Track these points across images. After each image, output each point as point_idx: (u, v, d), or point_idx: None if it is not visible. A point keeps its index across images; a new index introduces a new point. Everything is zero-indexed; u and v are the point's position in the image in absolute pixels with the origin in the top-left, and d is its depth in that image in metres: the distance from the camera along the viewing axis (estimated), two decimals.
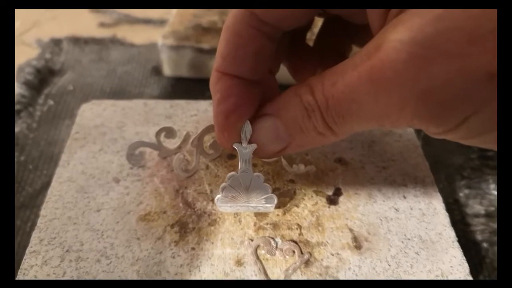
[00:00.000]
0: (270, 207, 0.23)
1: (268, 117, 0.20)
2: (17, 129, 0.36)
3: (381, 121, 0.16)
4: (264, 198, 0.23)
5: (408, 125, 0.16)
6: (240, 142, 0.21)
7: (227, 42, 0.19)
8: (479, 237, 0.30)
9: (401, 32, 0.14)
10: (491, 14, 0.13)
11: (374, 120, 0.16)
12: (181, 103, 0.32)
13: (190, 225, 0.24)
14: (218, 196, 0.23)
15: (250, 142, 0.20)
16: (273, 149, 0.20)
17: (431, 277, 0.22)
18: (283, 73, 0.24)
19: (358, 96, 0.15)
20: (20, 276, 0.21)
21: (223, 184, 0.22)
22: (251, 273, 0.22)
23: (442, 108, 0.14)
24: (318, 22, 0.24)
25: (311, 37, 0.24)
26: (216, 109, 0.20)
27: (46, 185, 0.32)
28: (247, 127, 0.20)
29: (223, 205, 0.23)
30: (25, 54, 0.44)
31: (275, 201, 0.23)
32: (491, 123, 0.14)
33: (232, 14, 0.18)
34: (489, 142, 0.15)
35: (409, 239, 0.23)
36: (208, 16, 0.44)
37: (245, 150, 0.21)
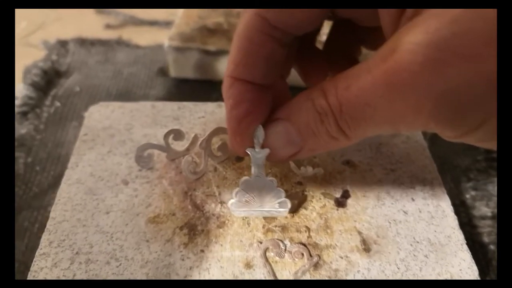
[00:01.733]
0: (283, 211, 0.23)
1: (280, 122, 0.20)
2: (24, 131, 0.36)
3: (396, 125, 0.16)
4: (277, 203, 0.23)
5: (424, 128, 0.16)
6: (253, 147, 0.21)
7: (239, 48, 0.19)
8: (486, 239, 0.30)
9: (417, 34, 0.14)
10: None
11: (389, 124, 0.16)
12: (189, 105, 0.32)
13: (199, 227, 0.24)
14: (232, 200, 0.23)
15: (263, 147, 0.21)
16: (285, 153, 0.20)
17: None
18: (292, 75, 0.24)
19: (372, 100, 0.15)
20: (30, 278, 0.22)
21: (237, 188, 0.23)
22: (260, 276, 0.22)
23: (459, 111, 0.14)
24: (328, 25, 0.24)
25: (320, 40, 0.24)
26: (229, 115, 0.20)
27: (53, 186, 0.32)
28: (260, 132, 0.20)
29: (237, 210, 0.23)
30: (31, 55, 0.44)
31: (289, 205, 0.23)
32: None
33: (243, 20, 0.18)
34: None
35: (418, 242, 0.23)
36: (213, 17, 0.44)
37: (258, 155, 0.21)
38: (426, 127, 0.16)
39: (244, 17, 0.18)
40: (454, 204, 0.26)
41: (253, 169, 0.22)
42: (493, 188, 0.33)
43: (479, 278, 0.22)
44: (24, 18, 0.51)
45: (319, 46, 0.24)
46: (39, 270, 0.22)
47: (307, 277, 0.22)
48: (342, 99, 0.16)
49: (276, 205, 0.23)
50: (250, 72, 0.19)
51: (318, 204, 0.25)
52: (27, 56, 0.44)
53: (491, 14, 0.13)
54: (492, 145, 0.16)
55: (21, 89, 0.39)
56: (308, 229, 0.24)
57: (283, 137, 0.20)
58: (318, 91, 0.18)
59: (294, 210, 0.25)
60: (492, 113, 0.14)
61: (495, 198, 0.32)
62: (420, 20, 0.14)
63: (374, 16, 0.17)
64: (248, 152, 0.21)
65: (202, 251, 0.23)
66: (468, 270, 0.22)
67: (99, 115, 0.31)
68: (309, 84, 0.24)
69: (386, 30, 0.17)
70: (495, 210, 0.31)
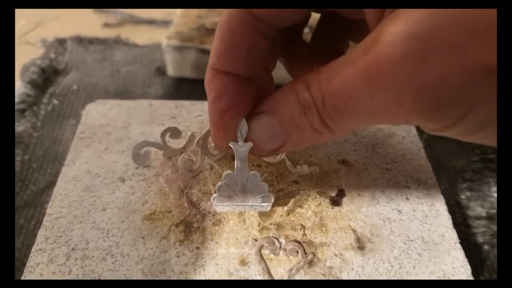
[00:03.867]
0: (266, 206, 0.23)
1: (264, 115, 0.19)
2: (21, 128, 0.36)
3: (378, 118, 0.16)
4: (260, 197, 0.23)
5: (405, 121, 0.16)
6: (236, 141, 0.20)
7: (221, 40, 0.18)
8: (480, 239, 0.30)
9: (398, 25, 0.14)
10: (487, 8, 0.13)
11: (371, 116, 0.16)
12: (186, 103, 0.32)
13: (194, 225, 0.24)
14: (214, 195, 0.23)
15: (246, 141, 0.20)
16: (269, 147, 0.20)
17: (433, 278, 0.22)
18: (280, 72, 0.24)
19: (354, 92, 0.15)
20: (26, 274, 0.22)
21: (219, 183, 0.22)
22: (255, 273, 0.22)
23: (440, 104, 0.14)
24: (315, 17, 0.24)
25: (307, 33, 0.24)
26: (211, 108, 0.19)
27: (50, 184, 0.32)
28: (243, 126, 0.20)
29: (219, 204, 0.23)
30: (29, 53, 0.45)
31: (272, 199, 0.23)
32: (489, 118, 0.14)
33: (226, 11, 0.18)
34: (487, 138, 0.15)
35: (411, 240, 0.24)
36: (211, 17, 0.44)
37: (241, 148, 0.21)
38: (407, 120, 0.15)
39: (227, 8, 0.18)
40: (449, 204, 0.26)
41: (236, 163, 0.21)
42: (488, 189, 0.33)
43: (471, 277, 0.22)
44: (22, 16, 0.51)
45: (306, 39, 0.24)
46: (35, 265, 0.22)
47: (301, 274, 0.22)
48: (325, 91, 0.16)
49: (259, 200, 0.23)
50: (232, 64, 0.19)
51: (313, 203, 0.25)
52: (25, 54, 0.44)
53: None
54: (474, 138, 0.16)
55: (19, 87, 0.39)
56: (303, 227, 0.24)
57: (266, 130, 0.19)
58: (302, 84, 0.17)
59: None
60: (473, 106, 0.14)
61: (490, 199, 0.32)
62: (402, 11, 0.14)
63: (360, 9, 0.17)
64: (231, 146, 0.21)
65: (198, 248, 0.23)
66: (461, 269, 0.22)
67: (97, 113, 0.31)
68: (295, 77, 0.23)
69: (370, 22, 0.17)
70: (490, 211, 0.32)
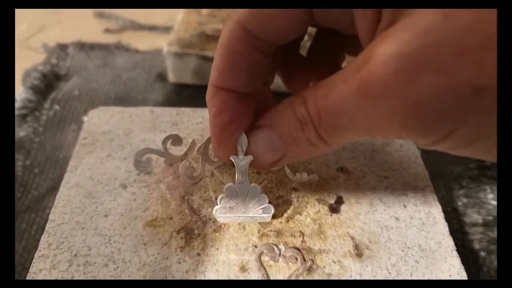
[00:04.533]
0: (267, 217, 0.24)
1: (263, 129, 0.20)
2: (23, 133, 0.37)
3: (371, 133, 0.16)
4: (261, 208, 0.23)
5: (397, 136, 0.16)
6: (237, 154, 0.21)
7: (222, 58, 0.19)
8: (477, 246, 0.31)
9: (389, 45, 0.14)
10: (475, 28, 0.13)
11: (365, 131, 0.16)
12: (187, 110, 0.32)
13: (195, 231, 0.24)
14: (217, 207, 0.23)
15: (246, 154, 0.21)
16: (268, 160, 0.21)
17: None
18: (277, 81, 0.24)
19: (348, 108, 0.16)
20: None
21: (221, 195, 0.23)
22: (255, 279, 0.22)
23: (430, 121, 0.15)
24: (311, 32, 0.24)
25: (307, 40, 0.25)
26: (213, 123, 0.20)
27: (52, 189, 0.33)
28: (243, 139, 0.21)
29: (221, 216, 0.24)
30: (31, 59, 0.45)
31: (272, 211, 0.23)
32: (477, 134, 0.15)
33: (225, 30, 0.19)
34: (478, 152, 0.16)
35: (409, 247, 0.24)
36: (212, 24, 0.44)
37: (241, 162, 0.21)
38: (399, 135, 0.16)
39: (227, 26, 0.19)
40: (446, 211, 0.27)
41: (236, 176, 0.22)
42: (484, 196, 0.33)
43: None
44: (24, 21, 0.52)
45: (303, 53, 0.25)
46: (38, 271, 0.22)
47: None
48: (321, 107, 0.17)
49: (259, 211, 0.23)
50: (233, 81, 0.19)
51: (312, 210, 0.26)
52: (27, 59, 0.45)
53: (460, 25, 0.13)
54: (464, 152, 0.16)
55: (20, 92, 0.40)
56: (302, 234, 0.24)
57: (266, 144, 0.20)
58: (299, 99, 0.18)
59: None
60: (462, 123, 0.14)
61: (487, 206, 0.33)
62: (392, 31, 0.14)
63: (355, 24, 0.18)
64: (232, 160, 0.21)
65: (199, 254, 0.23)
66: (457, 276, 0.23)
67: (99, 120, 0.31)
68: (293, 91, 0.24)
69: (363, 40, 0.17)
70: (486, 218, 0.32)
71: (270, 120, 0.20)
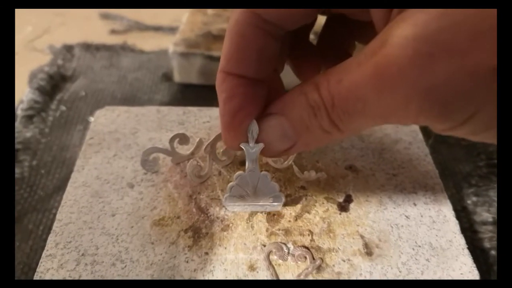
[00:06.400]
0: (277, 205, 0.23)
1: (274, 116, 0.20)
2: (29, 134, 0.37)
3: (386, 118, 0.16)
4: (272, 197, 0.23)
5: (413, 122, 0.16)
6: (247, 142, 0.21)
7: (231, 43, 0.19)
8: (487, 244, 0.30)
9: (406, 28, 0.14)
10: (490, 10, 0.13)
11: (380, 117, 0.16)
12: (194, 110, 0.32)
13: (203, 230, 0.24)
14: (226, 195, 0.23)
15: (257, 142, 0.20)
16: (280, 148, 0.20)
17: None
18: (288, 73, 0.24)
19: (363, 94, 0.15)
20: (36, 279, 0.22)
21: (231, 183, 0.23)
22: (263, 278, 0.22)
23: (447, 105, 0.14)
24: (321, 20, 0.24)
25: (313, 39, 0.24)
26: (222, 109, 0.20)
27: (58, 189, 0.33)
28: (254, 127, 0.20)
29: (231, 204, 0.23)
30: (37, 60, 0.45)
31: (283, 199, 0.23)
32: (495, 119, 0.14)
33: (234, 15, 0.18)
34: (495, 138, 0.16)
35: (419, 246, 0.24)
36: (218, 24, 0.44)
37: (252, 149, 0.21)
38: (416, 120, 0.16)
39: (235, 11, 0.18)
40: (455, 210, 0.26)
41: (247, 164, 0.22)
42: (494, 194, 0.33)
43: None
44: (29, 23, 0.52)
45: (313, 41, 0.24)
46: (45, 271, 0.22)
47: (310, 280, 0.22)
48: (334, 92, 0.16)
49: (270, 200, 0.23)
50: (242, 67, 0.19)
51: (321, 208, 0.25)
52: (33, 60, 0.45)
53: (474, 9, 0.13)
54: (481, 138, 0.16)
55: (27, 93, 0.40)
56: (311, 232, 0.24)
57: (277, 131, 0.19)
58: (311, 85, 0.18)
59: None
60: (480, 107, 0.14)
61: (496, 204, 0.32)
62: (408, 14, 0.14)
63: (366, 11, 0.17)
64: (242, 147, 0.21)
65: (206, 253, 0.23)
66: (469, 274, 0.22)
67: (105, 119, 0.31)
68: (303, 79, 0.24)
69: (377, 24, 0.17)
70: (496, 216, 0.32)
71: (281, 107, 0.19)
